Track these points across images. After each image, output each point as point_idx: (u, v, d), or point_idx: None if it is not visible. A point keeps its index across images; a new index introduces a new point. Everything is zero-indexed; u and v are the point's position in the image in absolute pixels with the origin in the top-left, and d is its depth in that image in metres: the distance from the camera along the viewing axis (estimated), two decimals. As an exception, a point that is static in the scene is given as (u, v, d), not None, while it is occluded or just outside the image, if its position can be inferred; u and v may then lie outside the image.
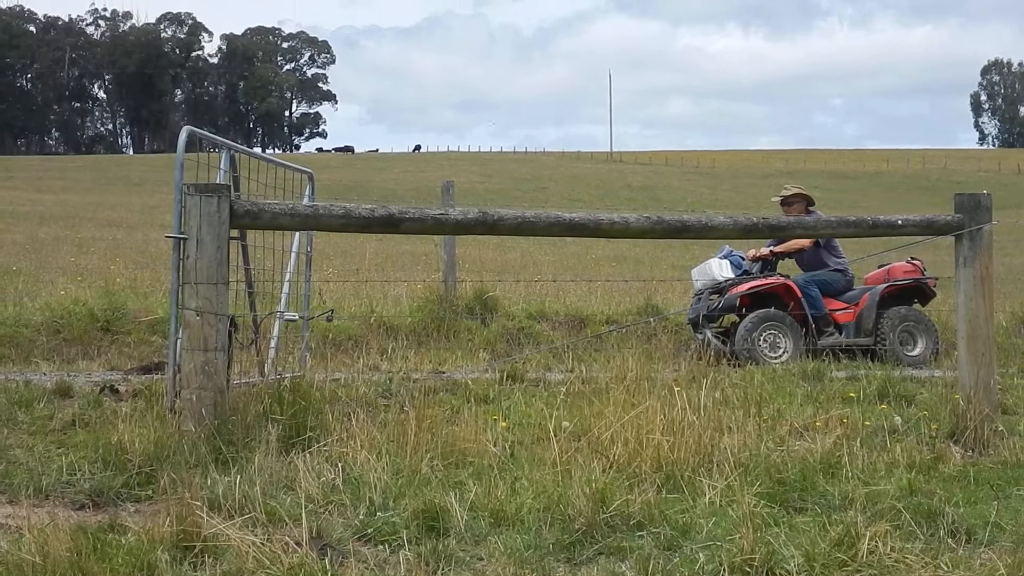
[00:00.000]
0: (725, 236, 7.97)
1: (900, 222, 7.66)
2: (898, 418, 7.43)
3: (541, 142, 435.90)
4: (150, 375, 9.09)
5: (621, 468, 5.77)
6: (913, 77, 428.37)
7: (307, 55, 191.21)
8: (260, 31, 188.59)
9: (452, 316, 12.85)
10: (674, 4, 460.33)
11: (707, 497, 5.41)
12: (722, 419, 6.62)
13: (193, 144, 7.52)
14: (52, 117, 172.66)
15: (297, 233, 9.07)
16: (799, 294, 12.29)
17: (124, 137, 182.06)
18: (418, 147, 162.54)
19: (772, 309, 12.16)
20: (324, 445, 6.02)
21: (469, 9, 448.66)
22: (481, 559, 4.58)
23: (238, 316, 7.75)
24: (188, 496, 4.63)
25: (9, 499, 5.10)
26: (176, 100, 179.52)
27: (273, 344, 8.84)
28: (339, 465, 5.70)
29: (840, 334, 12.42)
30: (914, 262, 13.01)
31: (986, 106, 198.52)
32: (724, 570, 4.45)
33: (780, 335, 11.97)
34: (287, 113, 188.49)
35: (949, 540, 4.87)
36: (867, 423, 7.19)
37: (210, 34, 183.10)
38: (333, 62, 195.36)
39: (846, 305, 12.62)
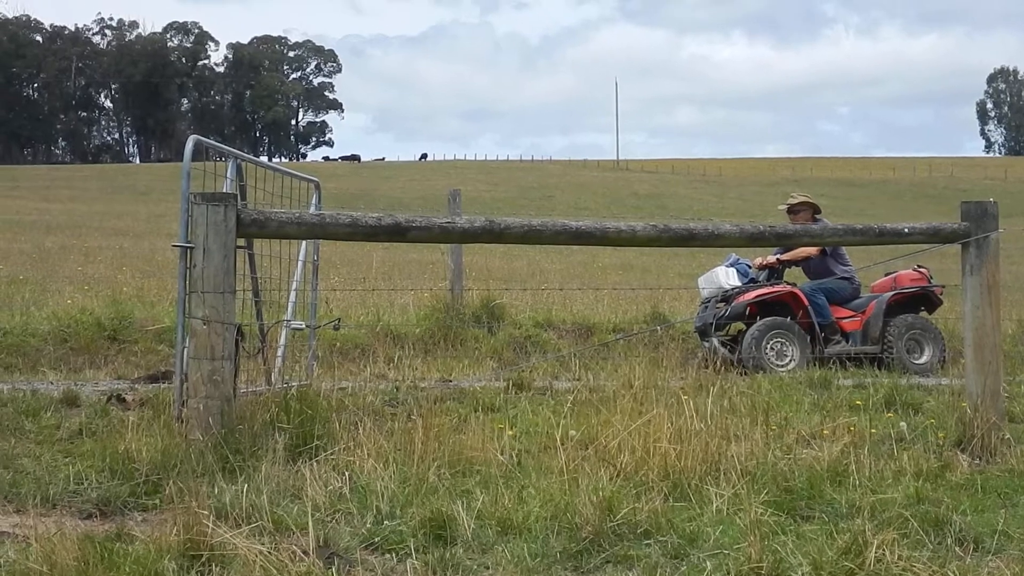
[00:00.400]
0: (732, 244, 7.96)
1: (907, 230, 7.66)
2: (903, 424, 7.41)
3: (547, 150, 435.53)
4: (157, 384, 9.11)
5: (628, 476, 5.76)
6: (919, 85, 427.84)
7: (313, 64, 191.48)
8: (266, 40, 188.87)
9: (459, 324, 12.86)
10: (680, 13, 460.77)
11: (714, 505, 5.40)
12: (729, 427, 6.62)
13: (199, 153, 7.53)
14: (58, 126, 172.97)
15: (304, 242, 9.08)
16: (806, 302, 12.28)
17: (130, 146, 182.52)
18: (424, 155, 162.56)
19: (779, 317, 12.15)
20: (331, 454, 6.02)
21: (475, 18, 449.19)
22: (488, 568, 4.58)
23: (245, 325, 7.76)
24: (195, 505, 4.64)
25: (16, 508, 5.11)
26: (182, 109, 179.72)
27: (280, 353, 8.84)
28: (346, 474, 5.70)
29: (847, 342, 12.41)
30: (921, 270, 13.00)
31: (992, 114, 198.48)
32: (731, 578, 4.45)
33: (787, 343, 11.96)
34: (293, 122, 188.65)
35: (956, 548, 4.87)
36: (874, 431, 7.18)
37: (216, 43, 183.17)
38: (339, 71, 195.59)
39: (853, 313, 12.61)
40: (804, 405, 8.64)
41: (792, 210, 12.79)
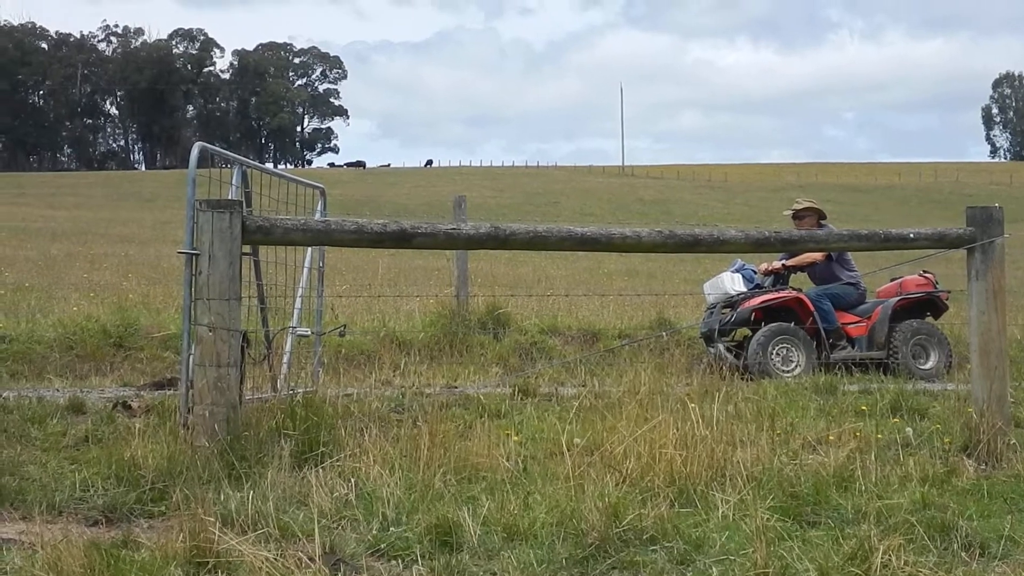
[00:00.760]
0: (737, 250, 7.96)
1: (912, 235, 7.65)
2: (909, 430, 7.41)
3: (553, 156, 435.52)
4: (163, 391, 9.10)
5: (634, 482, 5.76)
6: (924, 90, 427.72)
7: (319, 70, 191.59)
8: (271, 47, 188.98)
9: (464, 331, 12.85)
10: (684, 18, 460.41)
11: (720, 511, 5.40)
12: (735, 433, 6.61)
13: (205, 160, 7.54)
14: (64, 133, 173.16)
15: (309, 248, 9.09)
16: (811, 308, 12.27)
17: (136, 153, 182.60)
18: (430, 162, 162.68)
19: (784, 323, 12.15)
20: (337, 460, 6.02)
21: (480, 24, 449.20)
22: (494, 574, 4.58)
23: (250, 332, 7.76)
24: (201, 512, 4.64)
25: (23, 515, 5.11)
26: (188, 116, 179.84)
27: (285, 359, 8.85)
28: (352, 480, 5.70)
29: (853, 347, 12.41)
30: (926, 275, 12.99)
31: (997, 119, 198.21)
32: (737, 585, 4.45)
33: (793, 349, 11.95)
34: (299, 128, 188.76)
35: (963, 554, 4.86)
36: (880, 436, 7.17)
37: (222, 50, 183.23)
38: (345, 77, 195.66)
39: (858, 319, 12.61)
40: (810, 411, 8.64)
41: (797, 216, 12.79)
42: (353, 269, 22.82)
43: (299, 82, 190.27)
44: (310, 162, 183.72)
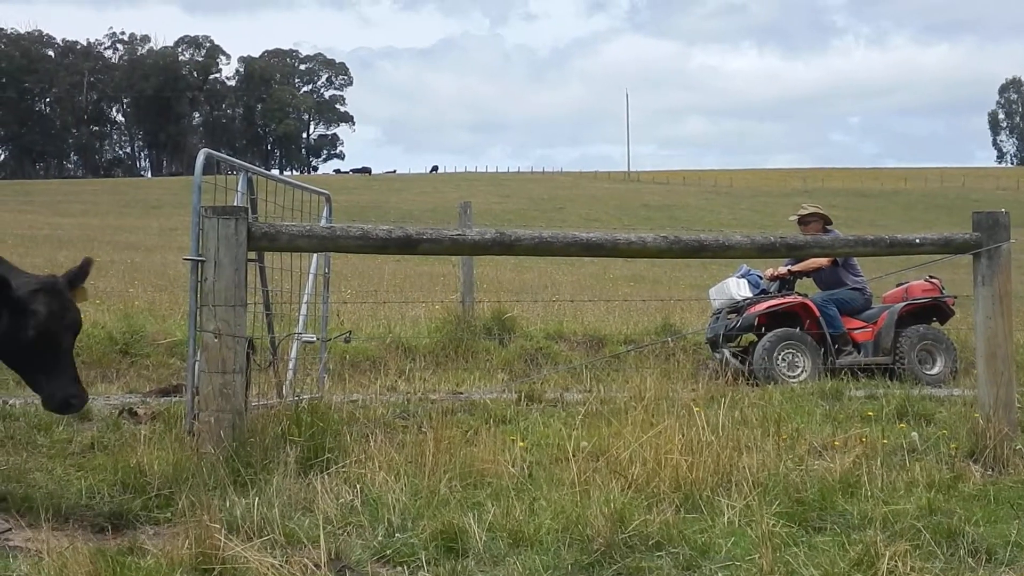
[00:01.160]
0: (743, 255, 7.97)
1: (918, 241, 7.65)
2: (915, 435, 7.40)
3: (558, 162, 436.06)
4: (168, 397, 9.12)
5: (639, 488, 5.76)
6: (930, 95, 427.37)
7: (324, 77, 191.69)
8: (277, 53, 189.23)
9: (470, 336, 12.87)
10: (689, 24, 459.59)
11: (726, 517, 5.40)
12: (740, 438, 6.61)
13: (211, 167, 7.55)
14: (70, 140, 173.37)
15: (315, 254, 9.10)
16: (817, 313, 12.27)
17: (142, 160, 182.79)
18: (435, 168, 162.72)
19: (790, 328, 12.15)
20: (342, 466, 6.02)
21: (484, 30, 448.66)
22: (500, 580, 4.58)
23: (256, 338, 7.77)
24: (207, 518, 4.65)
25: (29, 522, 5.12)
26: (194, 123, 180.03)
27: (291, 366, 8.85)
28: (357, 486, 5.70)
29: (858, 353, 12.40)
30: (932, 280, 12.98)
31: (1004, 124, 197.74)
32: (743, 590, 4.44)
33: (798, 354, 11.95)
34: (304, 135, 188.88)
35: (969, 560, 4.86)
36: (886, 442, 7.17)
37: (228, 57, 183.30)
38: (350, 84, 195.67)
39: (864, 324, 12.60)
40: (816, 416, 8.63)
41: (803, 221, 12.79)
42: (358, 275, 22.82)
43: (305, 88, 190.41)
44: (316, 168, 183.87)
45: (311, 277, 9.23)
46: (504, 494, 5.59)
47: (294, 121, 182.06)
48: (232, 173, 8.29)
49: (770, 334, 12.03)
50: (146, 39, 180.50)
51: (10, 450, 6.79)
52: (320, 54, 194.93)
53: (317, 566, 4.49)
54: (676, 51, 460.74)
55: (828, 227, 12.71)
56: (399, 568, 4.70)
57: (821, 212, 12.84)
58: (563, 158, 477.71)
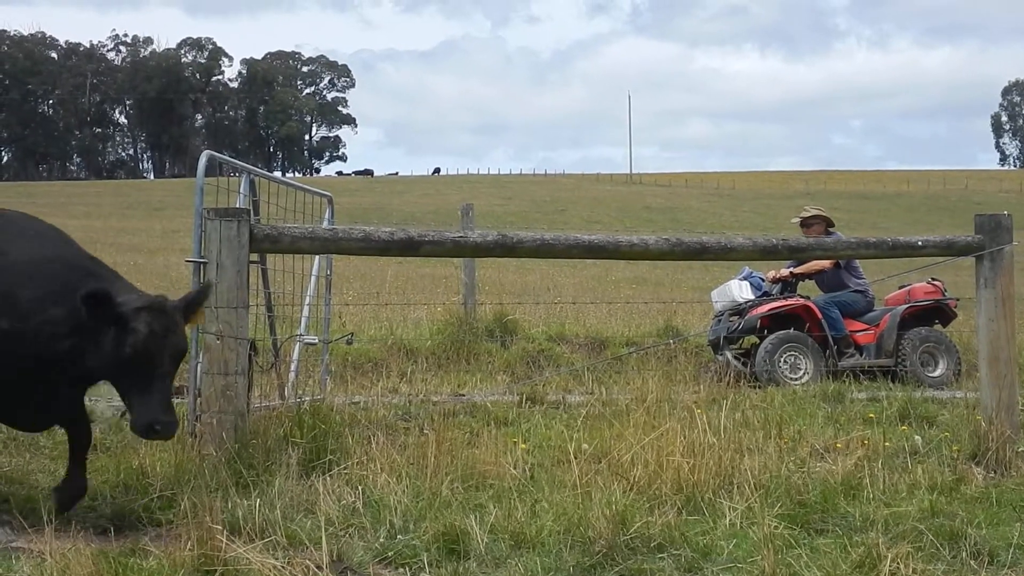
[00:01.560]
0: (745, 257, 7.96)
1: (920, 243, 7.65)
2: (918, 437, 7.40)
3: (560, 164, 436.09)
4: (171, 399, 9.10)
5: (641, 490, 5.76)
6: (933, 98, 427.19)
7: (327, 79, 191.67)
8: (280, 55, 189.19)
9: (472, 338, 12.86)
10: (691, 26, 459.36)
11: (728, 519, 5.40)
12: (742, 441, 6.62)
13: (213, 169, 7.56)
14: (73, 142, 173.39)
15: (317, 256, 9.10)
16: (819, 315, 12.26)
17: (145, 162, 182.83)
18: (438, 170, 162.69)
19: (792, 330, 12.14)
20: (344, 468, 6.03)
21: (486, 32, 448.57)
22: (501, 582, 4.58)
23: (258, 340, 7.77)
24: (209, 520, 4.65)
25: (32, 524, 5.12)
26: (196, 125, 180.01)
27: (293, 367, 8.86)
28: (359, 488, 5.70)
29: (861, 355, 12.38)
30: (935, 283, 12.97)
31: (1007, 127, 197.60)
32: (745, 592, 4.44)
33: (800, 356, 11.94)
34: (307, 137, 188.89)
35: (971, 562, 4.86)
36: (888, 444, 7.17)
37: (230, 59, 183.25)
38: (353, 86, 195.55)
39: (867, 326, 12.59)
40: (818, 418, 8.63)
41: (805, 223, 12.78)
42: (361, 277, 22.81)
43: (307, 91, 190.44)
44: (318, 170, 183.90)
45: (313, 279, 9.23)
46: (506, 496, 5.59)
47: (296, 123, 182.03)
48: (234, 175, 8.30)
49: (772, 336, 12.02)
50: (149, 41, 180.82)
51: (13, 451, 6.80)
52: (322, 56, 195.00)
53: (319, 568, 4.50)
54: (678, 53, 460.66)
55: (830, 229, 12.70)
56: (401, 570, 4.71)
57: (823, 214, 12.83)
58: (565, 160, 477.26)
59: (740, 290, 12.80)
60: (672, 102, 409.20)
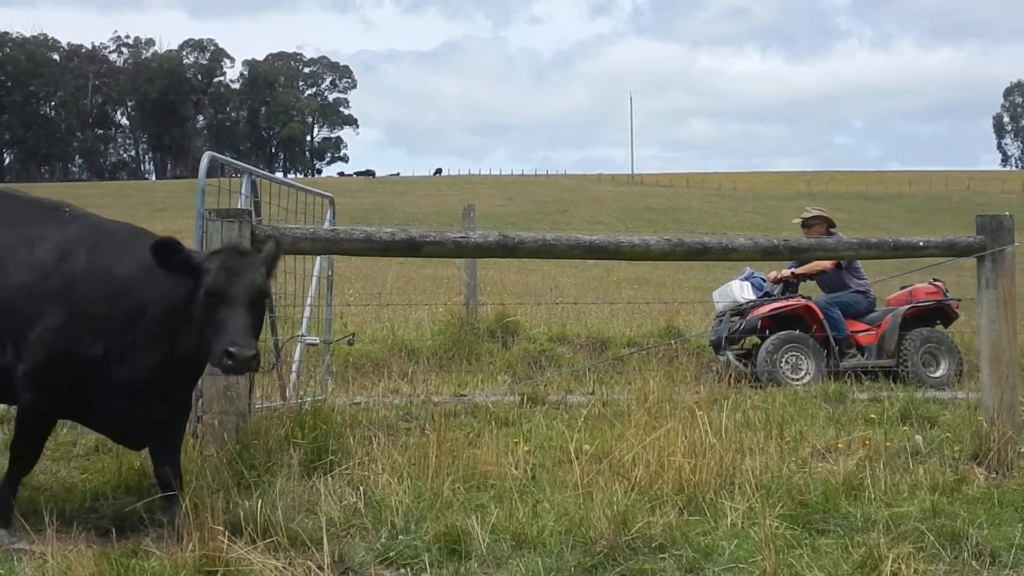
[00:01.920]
0: (746, 258, 7.96)
1: (922, 244, 7.65)
2: (919, 438, 7.40)
3: (561, 165, 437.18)
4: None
5: (643, 490, 5.76)
6: (934, 98, 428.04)
7: (328, 80, 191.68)
8: (281, 56, 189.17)
9: (473, 339, 12.86)
10: (693, 27, 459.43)
11: (729, 519, 5.40)
12: (744, 441, 6.61)
13: (215, 169, 7.56)
14: (75, 144, 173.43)
15: (318, 257, 9.10)
16: (821, 316, 12.26)
17: (147, 163, 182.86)
18: (439, 170, 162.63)
19: (794, 331, 12.14)
20: (346, 469, 6.03)
21: (488, 33, 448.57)
22: (503, 582, 4.58)
23: (259, 340, 7.76)
24: (210, 520, 4.65)
25: (33, 525, 5.12)
26: (198, 126, 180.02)
27: (294, 368, 8.86)
28: (360, 489, 5.70)
29: (862, 356, 12.38)
30: (936, 283, 12.97)
31: (1009, 128, 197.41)
32: (746, 593, 4.44)
33: (802, 357, 11.94)
34: (308, 138, 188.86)
35: (973, 562, 4.86)
36: (889, 445, 7.17)
37: (232, 60, 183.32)
38: (354, 87, 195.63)
39: (868, 327, 12.58)
40: (819, 419, 8.63)
41: (806, 224, 12.78)
42: (362, 278, 22.81)
43: (308, 92, 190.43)
44: (320, 171, 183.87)
45: (314, 279, 9.23)
46: (507, 496, 5.59)
47: (298, 124, 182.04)
48: (236, 176, 8.30)
49: (773, 337, 12.02)
50: (151, 42, 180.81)
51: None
52: (324, 57, 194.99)
53: (320, 568, 4.50)
54: (679, 54, 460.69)
55: (832, 230, 12.70)
56: (402, 570, 4.71)
57: (825, 215, 12.82)
58: (566, 161, 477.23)
59: (741, 290, 12.81)
60: (673, 103, 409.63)
